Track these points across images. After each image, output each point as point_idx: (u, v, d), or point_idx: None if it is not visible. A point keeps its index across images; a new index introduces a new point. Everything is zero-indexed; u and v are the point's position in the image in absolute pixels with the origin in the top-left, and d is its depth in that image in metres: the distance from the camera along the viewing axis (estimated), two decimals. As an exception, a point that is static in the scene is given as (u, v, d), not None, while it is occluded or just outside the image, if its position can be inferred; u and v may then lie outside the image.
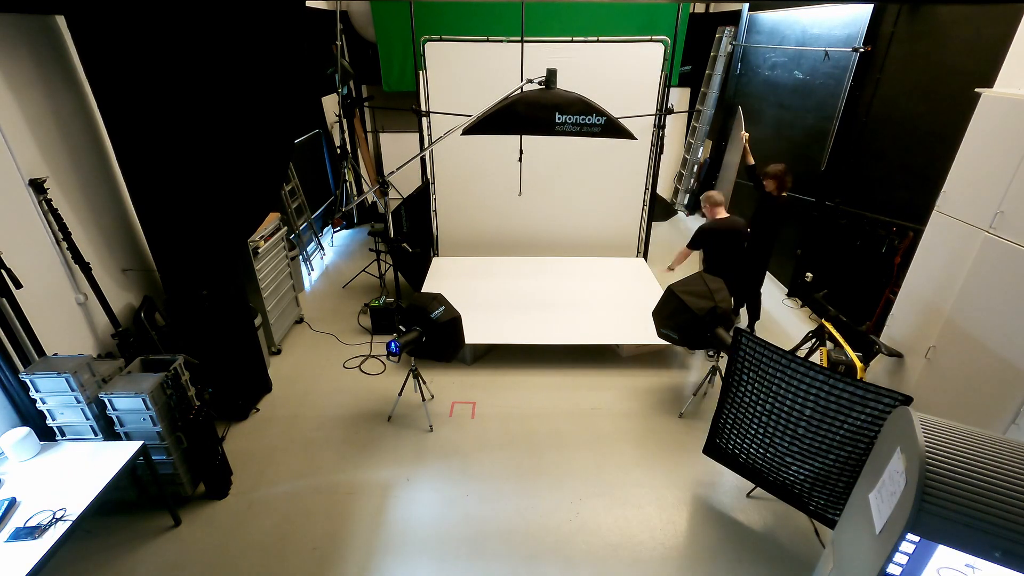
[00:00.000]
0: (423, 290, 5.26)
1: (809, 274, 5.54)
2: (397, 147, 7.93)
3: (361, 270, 6.25)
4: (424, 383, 4.28)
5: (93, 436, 2.94)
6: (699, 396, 4.26)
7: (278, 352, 4.80)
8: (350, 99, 7.34)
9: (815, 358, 3.93)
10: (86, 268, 3.23)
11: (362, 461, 3.63)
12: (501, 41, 5.22)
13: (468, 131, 3.68)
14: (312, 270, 6.39)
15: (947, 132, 3.72)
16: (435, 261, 6.00)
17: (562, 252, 6.17)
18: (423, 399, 4.19)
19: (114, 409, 2.94)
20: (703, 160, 7.91)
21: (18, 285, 2.77)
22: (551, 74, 3.56)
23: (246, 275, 4.24)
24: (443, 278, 5.55)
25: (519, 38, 4.87)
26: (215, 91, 3.02)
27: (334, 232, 7.58)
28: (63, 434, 2.93)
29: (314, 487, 3.42)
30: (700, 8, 7.68)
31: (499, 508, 3.30)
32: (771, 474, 3.03)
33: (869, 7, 4.69)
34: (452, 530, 3.15)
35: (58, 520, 2.37)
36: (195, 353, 3.49)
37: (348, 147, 7.47)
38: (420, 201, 5.65)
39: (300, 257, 5.98)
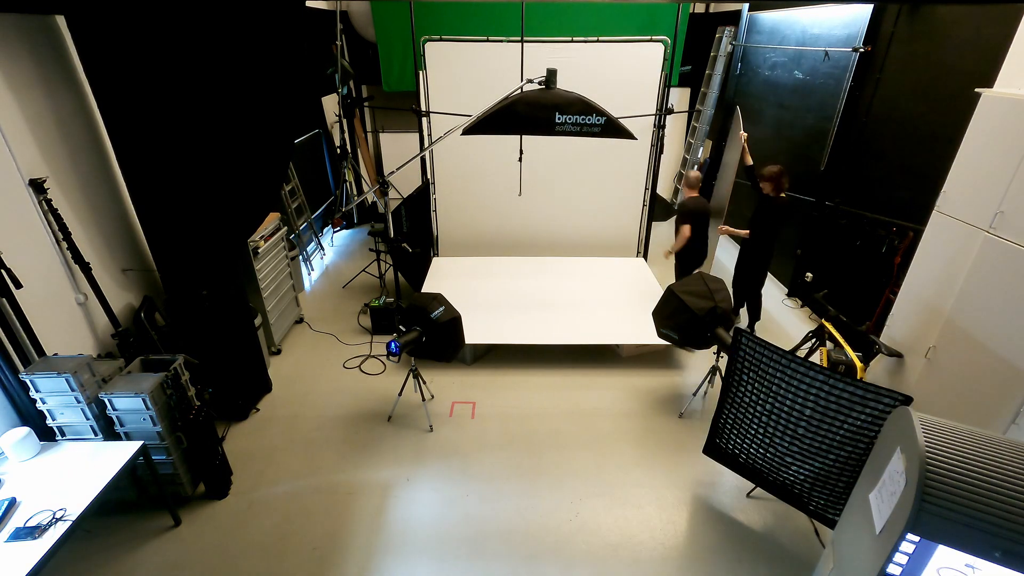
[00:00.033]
0: (423, 290, 5.26)
1: (809, 274, 5.54)
2: (397, 147, 7.93)
3: (361, 270, 6.25)
4: (424, 383, 4.28)
5: (93, 436, 2.94)
6: (699, 396, 4.26)
7: (278, 352, 4.80)
8: (350, 99, 7.34)
9: (815, 358, 3.93)
10: (86, 268, 3.23)
11: (362, 461, 3.63)
12: (501, 41, 5.22)
13: (468, 131, 3.68)
14: (312, 270, 6.39)
15: (947, 132, 3.72)
16: (435, 261, 6.00)
17: (562, 252, 6.17)
18: (423, 399, 4.19)
19: (114, 409, 2.94)
20: (703, 160, 7.91)
21: (18, 285, 2.77)
22: (551, 74, 3.56)
23: (246, 275, 4.24)
24: (443, 278, 5.55)
25: (519, 38, 4.86)
26: (215, 91, 3.02)
27: (334, 232, 7.58)
28: (63, 434, 2.93)
29: (314, 487, 3.42)
30: (700, 8, 7.67)
31: (499, 508, 3.30)
32: (771, 474, 3.03)
33: (869, 7, 4.69)
34: (452, 530, 3.15)
35: (58, 520, 2.37)
36: (195, 353, 3.49)
37: (348, 147, 7.47)
38: (420, 201, 5.65)
39: (300, 257, 5.98)
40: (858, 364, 3.52)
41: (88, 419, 2.89)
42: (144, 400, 2.90)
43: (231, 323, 3.73)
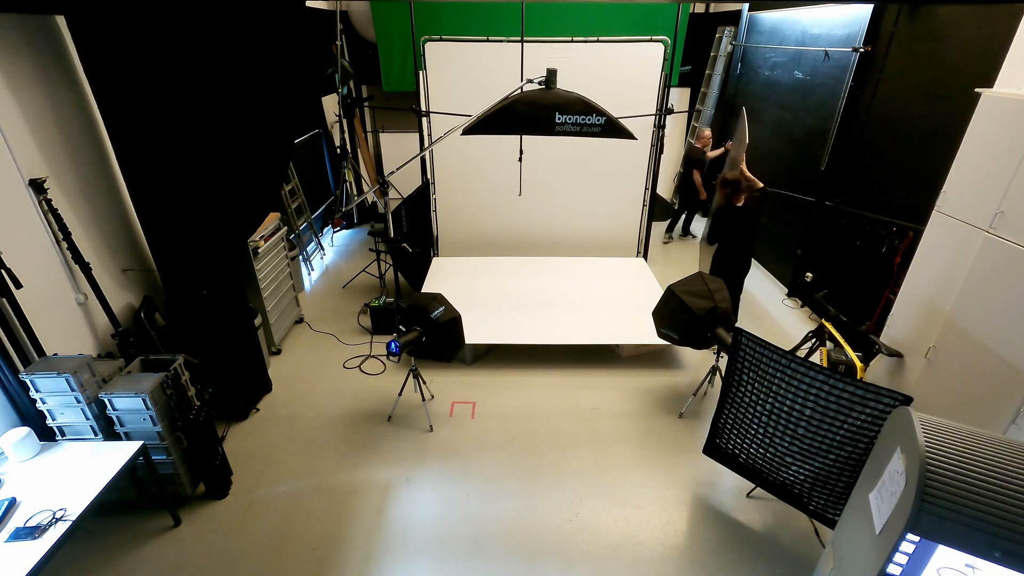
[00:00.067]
0: (423, 290, 5.26)
1: (809, 274, 5.54)
2: (397, 147, 7.93)
3: (361, 270, 6.25)
4: (424, 383, 4.28)
5: (93, 436, 2.94)
6: (699, 396, 4.26)
7: (278, 352, 4.80)
8: (350, 99, 7.34)
9: (815, 358, 3.93)
10: (86, 268, 3.23)
11: (362, 461, 3.63)
12: (501, 41, 5.22)
13: (468, 131, 3.68)
14: (312, 270, 6.39)
15: (947, 132, 3.72)
16: (435, 261, 6.00)
17: (562, 252, 6.17)
18: (423, 399, 4.19)
19: (114, 409, 2.94)
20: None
21: (18, 285, 2.77)
22: (551, 74, 3.56)
23: (246, 275, 4.24)
24: (443, 278, 5.55)
25: (519, 38, 4.86)
26: (215, 91, 3.03)
27: (334, 232, 7.58)
28: (63, 434, 2.93)
29: (314, 487, 3.42)
30: (700, 8, 7.67)
31: (499, 508, 3.30)
32: (771, 474, 3.03)
33: (869, 7, 4.69)
34: (452, 530, 3.15)
35: (58, 520, 2.37)
36: (195, 353, 3.49)
37: (348, 147, 7.47)
38: (420, 201, 5.65)
39: (300, 257, 5.98)
40: (858, 364, 3.52)
41: (88, 419, 2.89)
42: (144, 400, 2.90)
43: (231, 323, 3.73)
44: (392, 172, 4.52)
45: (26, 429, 2.72)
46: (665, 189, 8.37)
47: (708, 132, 6.94)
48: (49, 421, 2.88)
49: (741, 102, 7.17)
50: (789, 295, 5.89)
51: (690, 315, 3.66)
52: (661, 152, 5.80)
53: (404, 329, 3.70)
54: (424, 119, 5.56)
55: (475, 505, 3.31)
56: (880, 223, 4.52)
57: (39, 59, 3.06)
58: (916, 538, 1.66)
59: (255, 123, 3.18)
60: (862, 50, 4.75)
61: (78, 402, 2.83)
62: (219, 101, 3.05)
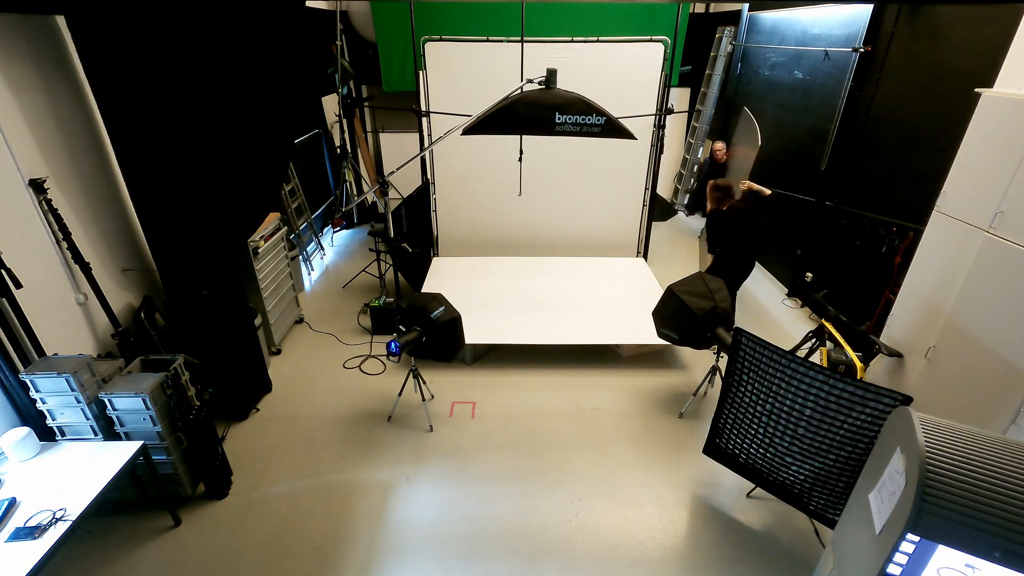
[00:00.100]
0: (423, 290, 5.26)
1: (809, 274, 5.54)
2: (397, 147, 7.93)
3: (361, 270, 6.25)
4: (424, 383, 4.28)
5: (93, 436, 2.94)
6: (699, 396, 4.26)
7: (278, 352, 4.80)
8: (350, 99, 7.34)
9: (815, 358, 3.93)
10: (86, 268, 3.23)
11: (362, 461, 3.63)
12: (501, 41, 5.22)
13: (468, 131, 3.68)
14: (312, 270, 6.39)
15: (947, 132, 3.72)
16: (435, 261, 6.00)
17: (562, 252, 6.17)
18: (423, 399, 4.19)
19: (114, 409, 2.94)
20: (703, 160, 7.91)
21: (18, 285, 2.77)
22: (551, 74, 3.56)
23: (246, 275, 4.24)
24: (443, 278, 5.55)
25: (519, 38, 4.86)
26: (215, 91, 3.03)
27: (334, 232, 7.58)
28: (63, 434, 2.93)
29: (314, 487, 3.42)
30: (700, 8, 7.67)
31: (499, 508, 3.30)
32: (771, 474, 3.03)
33: (869, 7, 4.69)
34: (452, 530, 3.15)
35: (58, 520, 2.37)
36: (195, 353, 3.49)
37: (348, 147, 7.47)
38: (420, 201, 5.65)
39: (300, 257, 5.98)
40: (858, 364, 3.52)
41: (88, 419, 2.89)
42: (144, 400, 2.90)
43: (231, 323, 3.73)
44: (392, 172, 4.52)
45: (26, 429, 2.72)
46: (665, 189, 8.37)
47: (721, 144, 6.78)
48: (49, 421, 2.88)
49: (743, 103, 7.17)
50: (789, 295, 5.89)
51: (690, 315, 3.65)
52: (661, 152, 5.81)
53: (404, 329, 3.70)
54: (424, 119, 5.56)
55: (475, 505, 3.31)
56: (880, 223, 4.52)
57: (39, 59, 3.05)
58: (916, 538, 1.66)
59: (255, 123, 3.18)
60: (862, 50, 4.75)
61: (78, 402, 2.83)
62: (219, 101, 3.05)
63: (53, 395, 2.81)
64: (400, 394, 4.13)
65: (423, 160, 5.75)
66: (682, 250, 7.16)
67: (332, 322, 5.33)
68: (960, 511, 1.60)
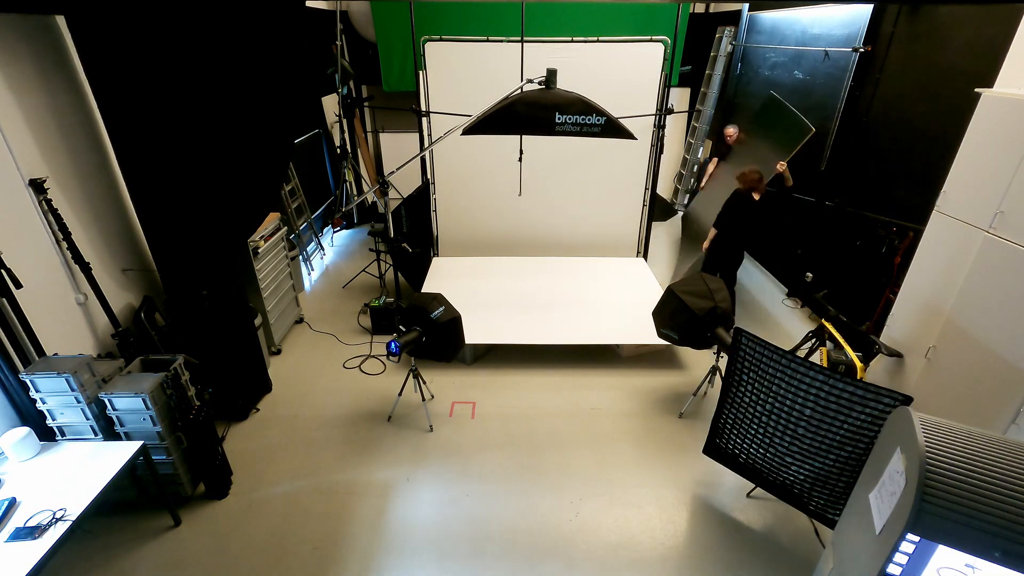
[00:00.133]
0: (423, 290, 5.26)
1: (809, 274, 5.54)
2: (397, 147, 7.93)
3: (361, 270, 6.25)
4: (424, 383, 4.28)
5: (93, 436, 2.94)
6: (699, 396, 4.26)
7: (278, 352, 4.80)
8: (350, 99, 7.34)
9: (815, 358, 3.92)
10: (86, 268, 3.23)
11: (362, 461, 3.63)
12: (501, 41, 5.21)
13: (468, 131, 3.68)
14: (312, 270, 6.39)
15: (947, 132, 3.72)
16: (435, 261, 6.00)
17: (562, 252, 6.17)
18: (423, 399, 4.19)
19: (114, 409, 2.94)
20: (703, 160, 7.90)
21: (18, 285, 2.77)
22: (551, 74, 3.56)
23: (246, 275, 4.24)
24: (443, 278, 5.55)
25: (519, 38, 4.86)
26: (215, 91, 3.03)
27: (334, 232, 7.58)
28: (63, 434, 2.93)
29: (314, 487, 3.42)
30: (700, 8, 7.67)
31: (499, 508, 3.30)
32: (771, 474, 3.03)
33: (869, 7, 4.69)
34: (452, 530, 3.15)
35: (58, 520, 2.37)
36: (195, 353, 3.49)
37: (348, 147, 7.47)
38: (420, 201, 5.65)
39: (300, 257, 5.98)
40: (858, 364, 3.51)
41: (88, 419, 2.89)
42: (144, 400, 2.90)
43: (231, 323, 3.73)
44: (392, 172, 4.52)
45: (26, 429, 2.72)
46: (665, 189, 8.37)
47: (734, 129, 6.44)
48: (49, 421, 2.88)
49: (739, 102, 7.17)
50: (789, 295, 5.89)
51: (690, 315, 3.66)
52: (661, 152, 5.80)
53: (404, 329, 3.70)
54: (424, 119, 5.56)
55: (475, 505, 3.31)
56: (880, 223, 4.52)
57: (39, 59, 3.06)
58: (916, 538, 1.66)
59: (255, 123, 3.18)
60: (862, 50, 4.75)
61: (78, 402, 2.83)
62: (219, 101, 3.05)
63: (53, 395, 2.81)
64: (400, 394, 4.13)
65: (423, 160, 5.75)
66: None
67: (332, 322, 5.33)
68: (960, 511, 1.60)
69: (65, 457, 2.74)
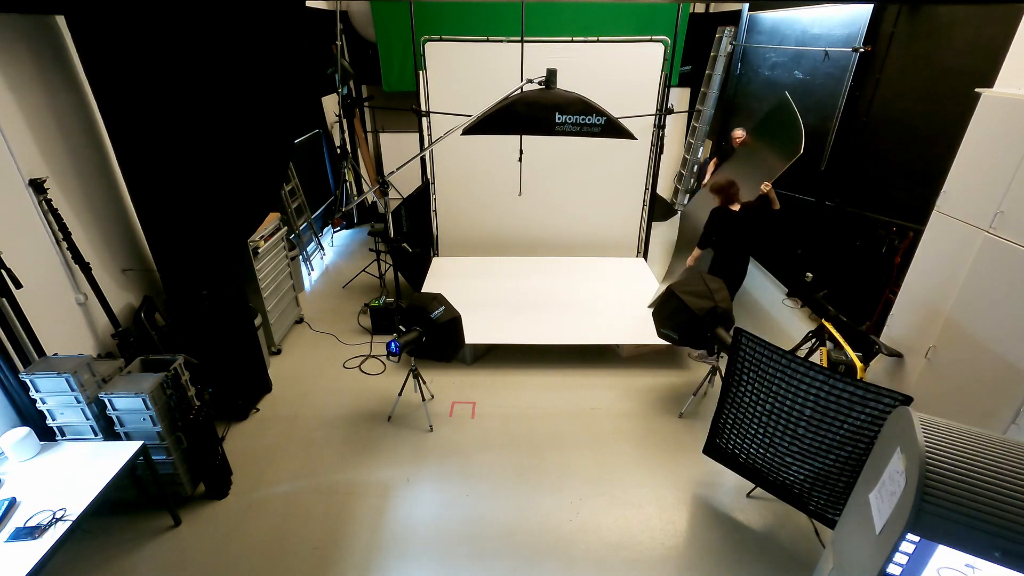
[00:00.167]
0: (423, 290, 5.26)
1: (809, 274, 5.54)
2: (397, 147, 7.93)
3: (361, 270, 6.25)
4: (424, 383, 4.28)
5: (93, 436, 2.94)
6: (699, 396, 4.26)
7: (278, 352, 4.80)
8: (350, 99, 7.34)
9: (815, 358, 3.92)
10: (86, 268, 3.23)
11: (362, 461, 3.63)
12: (501, 41, 5.22)
13: (468, 131, 3.68)
14: (312, 270, 6.39)
15: (947, 132, 3.72)
16: (435, 261, 6.00)
17: (562, 252, 6.17)
18: (423, 399, 4.19)
19: (114, 409, 2.94)
20: (703, 160, 7.90)
21: (18, 285, 2.77)
22: (551, 74, 3.56)
23: (246, 275, 4.24)
24: (443, 278, 5.55)
25: (519, 38, 4.86)
26: (215, 91, 3.03)
27: (334, 232, 7.58)
28: (63, 434, 2.93)
29: (314, 487, 3.42)
30: (700, 8, 7.67)
31: (499, 508, 3.30)
32: (771, 474, 3.03)
33: (869, 7, 4.69)
34: (452, 530, 3.15)
35: (58, 520, 2.37)
36: (195, 353, 3.49)
37: (348, 147, 7.47)
38: (420, 201, 5.65)
39: (300, 257, 5.98)
40: (858, 364, 3.51)
41: (88, 419, 2.89)
42: (144, 400, 2.90)
43: (231, 323, 3.73)
44: (392, 172, 4.53)
45: (26, 429, 2.72)
46: (665, 189, 8.37)
47: (741, 132, 6.02)
48: (49, 421, 2.88)
49: (739, 102, 7.17)
50: (789, 295, 5.89)
51: (690, 315, 3.65)
52: (661, 152, 5.80)
53: (404, 329, 3.70)
54: (424, 119, 5.56)
55: (475, 505, 3.31)
56: (880, 223, 4.52)
57: (39, 59, 3.06)
58: (916, 538, 1.66)
59: (255, 123, 3.18)
60: (862, 50, 4.75)
61: (78, 402, 2.83)
62: (219, 101, 3.05)
63: (53, 395, 2.81)
64: (400, 394, 4.13)
65: (423, 160, 5.75)
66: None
67: (332, 322, 5.33)
68: (960, 511, 1.60)
69: (65, 457, 2.74)
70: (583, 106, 3.56)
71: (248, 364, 3.98)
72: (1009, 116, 2.84)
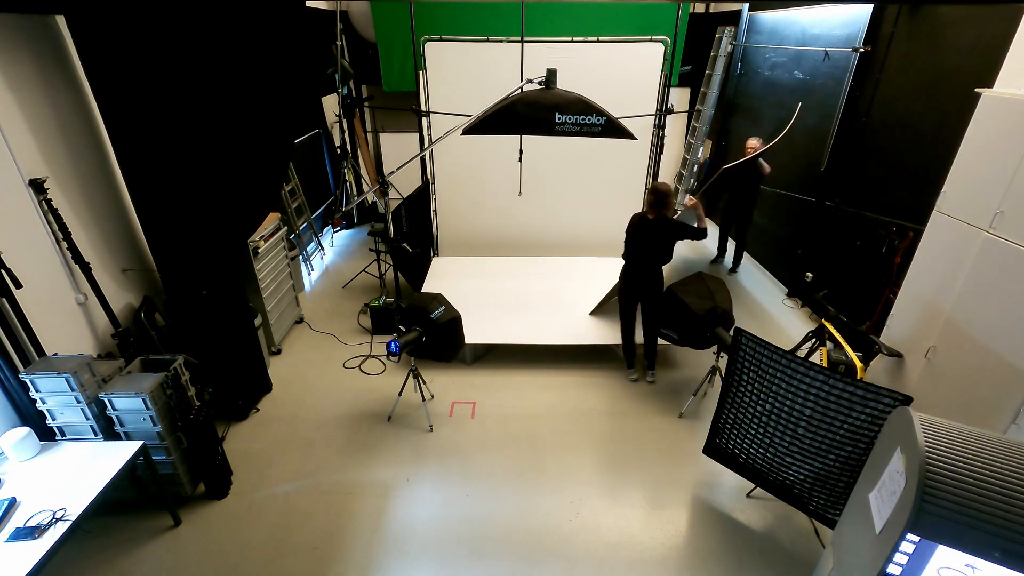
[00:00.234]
0: (423, 290, 5.26)
1: (809, 274, 5.54)
2: (397, 147, 7.93)
3: (361, 270, 6.25)
4: (424, 383, 4.28)
5: (93, 436, 2.94)
6: (699, 396, 4.26)
7: (278, 352, 4.80)
8: (350, 99, 7.34)
9: (815, 358, 3.92)
10: (86, 268, 3.23)
11: (362, 461, 3.63)
12: (501, 41, 5.22)
13: (468, 131, 3.68)
14: (312, 270, 6.39)
15: (947, 132, 3.72)
16: (435, 261, 6.00)
17: (562, 252, 6.17)
18: (423, 399, 4.19)
19: (114, 409, 2.94)
20: (703, 160, 7.90)
21: (18, 285, 2.77)
22: (551, 74, 3.56)
23: (246, 275, 4.24)
24: (443, 278, 5.55)
25: (519, 38, 4.86)
26: (215, 91, 3.02)
27: (334, 232, 7.58)
28: (63, 434, 2.93)
29: (314, 487, 3.42)
30: (700, 8, 7.67)
31: (499, 508, 3.30)
32: (771, 474, 3.03)
33: (869, 7, 4.69)
34: (452, 530, 3.15)
35: (58, 520, 2.37)
36: (195, 353, 3.49)
37: (348, 147, 7.47)
38: (420, 201, 5.65)
39: (300, 257, 5.97)
40: (858, 364, 3.51)
41: (88, 419, 2.89)
42: (144, 400, 2.90)
43: (231, 323, 3.73)
44: (392, 172, 4.52)
45: (26, 429, 2.72)
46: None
47: (756, 142, 5.80)
48: (49, 421, 2.88)
49: (739, 102, 7.17)
50: (789, 295, 5.89)
51: (690, 315, 3.65)
52: (661, 152, 5.80)
53: (404, 329, 3.70)
54: (424, 119, 5.56)
55: (475, 505, 3.31)
56: (880, 223, 4.52)
57: (39, 59, 3.06)
58: (916, 538, 1.66)
59: (255, 123, 3.18)
60: (862, 50, 4.74)
61: (78, 402, 2.83)
62: (219, 101, 3.05)
63: (53, 395, 2.81)
64: (400, 394, 4.13)
65: (423, 160, 5.75)
66: (682, 249, 7.16)
67: (332, 322, 5.33)
68: (960, 511, 1.60)
69: (65, 457, 2.74)
70: (583, 106, 3.56)
71: (248, 364, 3.98)
72: (1009, 116, 2.84)
